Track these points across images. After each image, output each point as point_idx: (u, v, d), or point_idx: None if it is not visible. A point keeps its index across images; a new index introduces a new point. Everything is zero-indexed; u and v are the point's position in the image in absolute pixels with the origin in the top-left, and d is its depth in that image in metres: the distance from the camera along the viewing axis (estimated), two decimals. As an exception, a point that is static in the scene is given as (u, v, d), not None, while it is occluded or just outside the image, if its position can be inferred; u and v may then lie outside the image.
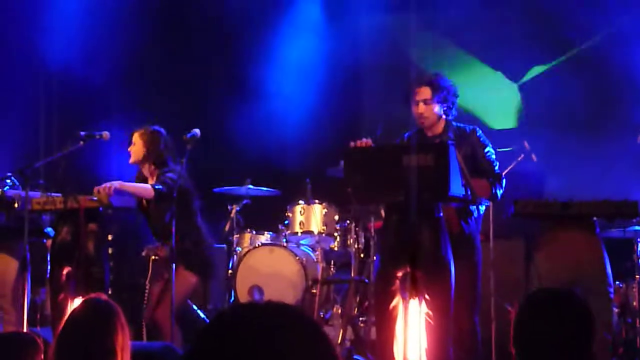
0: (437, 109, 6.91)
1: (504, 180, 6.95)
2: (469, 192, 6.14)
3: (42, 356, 4.32)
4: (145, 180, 7.84)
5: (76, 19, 10.77)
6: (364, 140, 6.47)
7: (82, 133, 7.70)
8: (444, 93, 6.91)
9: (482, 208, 7.00)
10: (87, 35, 10.84)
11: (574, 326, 3.48)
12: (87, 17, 10.91)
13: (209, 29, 11.60)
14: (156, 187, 7.57)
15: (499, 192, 6.85)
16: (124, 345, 4.06)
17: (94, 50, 10.89)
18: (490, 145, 6.97)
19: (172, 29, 11.78)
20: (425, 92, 6.89)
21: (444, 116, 6.97)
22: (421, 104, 6.89)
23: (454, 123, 7.03)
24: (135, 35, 10.97)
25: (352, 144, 6.44)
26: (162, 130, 7.95)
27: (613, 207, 6.74)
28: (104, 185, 7.37)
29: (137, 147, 7.87)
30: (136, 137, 7.88)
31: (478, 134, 6.97)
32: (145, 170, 7.89)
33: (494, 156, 6.95)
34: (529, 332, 3.52)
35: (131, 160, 7.90)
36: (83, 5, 10.93)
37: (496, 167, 6.92)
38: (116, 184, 7.44)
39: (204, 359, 1.89)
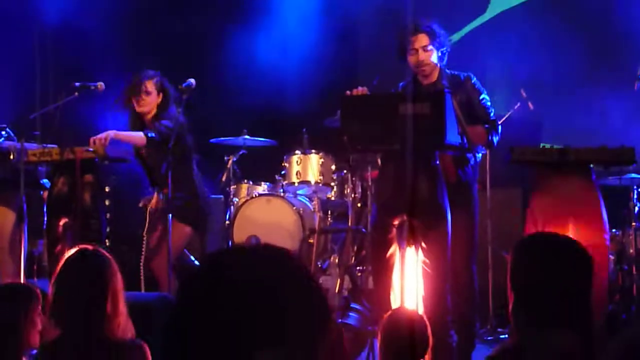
0: (434, 55, 6.86)
1: (500, 127, 6.93)
2: (466, 140, 6.13)
3: (41, 307, 4.33)
4: (139, 128, 7.84)
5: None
6: (360, 88, 6.44)
7: (77, 84, 7.68)
8: (440, 39, 6.87)
9: (479, 156, 6.99)
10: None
11: (572, 271, 3.47)
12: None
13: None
14: (149, 134, 7.57)
15: (495, 139, 6.83)
16: (117, 293, 4.08)
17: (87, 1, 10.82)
18: (485, 92, 6.94)
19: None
20: (423, 39, 6.83)
21: (438, 64, 6.92)
22: (420, 51, 6.83)
23: (447, 70, 6.99)
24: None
25: (347, 92, 6.41)
26: None
27: (610, 154, 6.72)
28: (99, 136, 7.36)
29: (152, 96, 7.86)
30: (151, 86, 7.86)
31: (473, 81, 6.93)
32: (150, 117, 7.88)
33: (489, 103, 6.91)
34: (527, 276, 3.51)
35: (145, 109, 7.88)
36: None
37: (492, 114, 6.89)
38: (111, 133, 7.43)
39: (193, 302, 1.89)
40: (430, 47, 6.83)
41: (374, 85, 6.85)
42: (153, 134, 7.56)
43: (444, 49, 6.91)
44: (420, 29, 6.85)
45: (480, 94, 6.88)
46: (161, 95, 7.87)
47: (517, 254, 3.59)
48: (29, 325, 4.24)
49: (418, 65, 6.86)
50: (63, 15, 10.56)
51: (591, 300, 3.48)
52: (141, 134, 7.62)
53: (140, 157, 7.86)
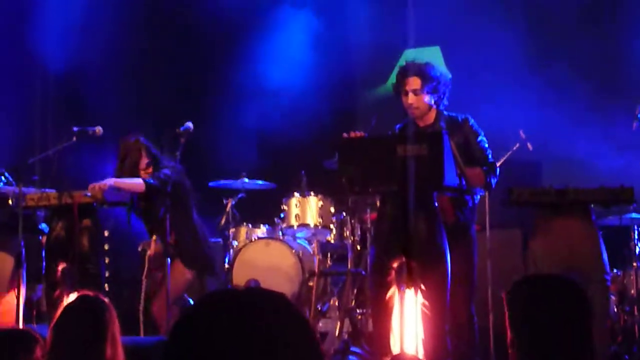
0: (427, 99, 6.85)
1: (498, 169, 6.91)
2: (464, 182, 6.12)
3: (40, 352, 4.31)
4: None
5: (71, 13, 10.73)
6: (357, 132, 6.45)
7: (75, 128, 7.70)
8: (434, 83, 6.85)
9: (477, 198, 6.97)
10: (81, 31, 10.80)
11: (570, 312, 3.44)
12: (83, 11, 10.88)
13: (203, 26, 11.55)
14: (147, 181, 7.59)
15: (493, 181, 6.81)
16: (116, 338, 4.08)
17: (88, 47, 10.86)
18: (483, 134, 6.93)
19: (166, 24, 11.76)
20: (415, 82, 6.83)
21: (434, 106, 6.92)
22: (411, 94, 6.83)
23: (445, 112, 6.99)
24: (130, 30, 10.96)
25: (344, 135, 6.42)
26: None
27: (609, 194, 6.72)
28: (99, 183, 7.39)
29: (142, 161, 7.92)
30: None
31: (470, 123, 6.93)
32: (142, 173, 7.93)
33: (486, 144, 6.90)
34: (524, 318, 3.48)
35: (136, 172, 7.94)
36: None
37: (489, 156, 6.88)
38: (110, 181, 7.46)
39: (186, 342, 1.88)
40: (422, 90, 6.82)
41: (371, 125, 6.85)
42: (152, 180, 7.58)
43: (440, 92, 6.90)
44: (412, 72, 6.85)
45: (478, 135, 6.87)
46: (147, 159, 7.92)
47: (514, 296, 3.56)
48: (28, 372, 4.21)
49: (409, 108, 6.87)
50: (63, 60, 10.60)
51: (592, 341, 3.45)
52: (140, 180, 7.64)
53: (136, 202, 7.87)
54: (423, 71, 6.83)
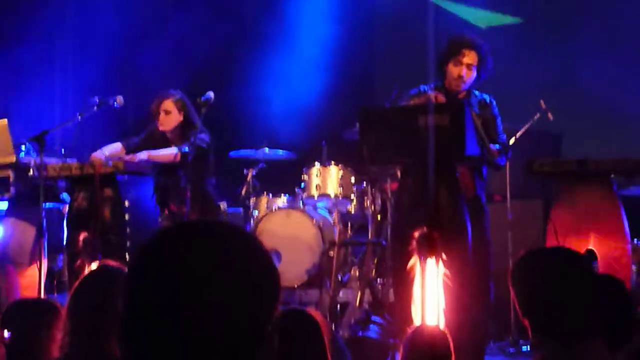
0: (474, 76, 6.87)
1: (510, 151, 6.96)
2: (485, 151, 6.11)
3: (62, 321, 4.33)
4: (163, 143, 7.90)
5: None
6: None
7: (96, 98, 7.71)
8: (486, 66, 6.88)
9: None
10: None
11: (574, 284, 3.36)
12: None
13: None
14: (183, 149, 7.61)
15: (504, 160, 6.87)
16: None
17: (108, 16, 10.87)
18: (500, 118, 6.99)
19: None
20: (473, 57, 6.82)
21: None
22: (464, 67, 6.83)
23: (475, 91, 7.01)
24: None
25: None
26: None
27: (631, 165, 6.70)
28: (131, 156, 7.43)
29: (173, 115, 7.93)
30: (169, 105, 7.94)
31: (494, 104, 6.98)
32: (173, 134, 7.95)
33: (501, 127, 6.97)
34: (531, 296, 3.42)
35: (167, 127, 7.96)
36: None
37: (505, 138, 6.95)
38: (143, 155, 7.49)
39: (142, 272, 1.90)
40: (474, 66, 6.83)
41: (392, 97, 6.84)
42: (187, 149, 7.59)
43: (484, 73, 6.91)
44: (475, 46, 6.84)
45: (497, 118, 6.94)
46: (182, 113, 7.93)
47: (516, 275, 3.50)
48: (50, 340, 4.24)
49: (457, 79, 6.84)
50: (83, 32, 10.63)
51: (601, 310, 3.39)
52: (174, 149, 7.66)
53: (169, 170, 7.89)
54: (483, 49, 6.84)
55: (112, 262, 4.30)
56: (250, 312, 1.86)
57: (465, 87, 6.91)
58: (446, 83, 6.93)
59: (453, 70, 6.86)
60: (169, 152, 7.70)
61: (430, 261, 5.69)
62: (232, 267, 1.87)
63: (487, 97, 7.03)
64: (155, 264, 1.88)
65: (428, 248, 5.64)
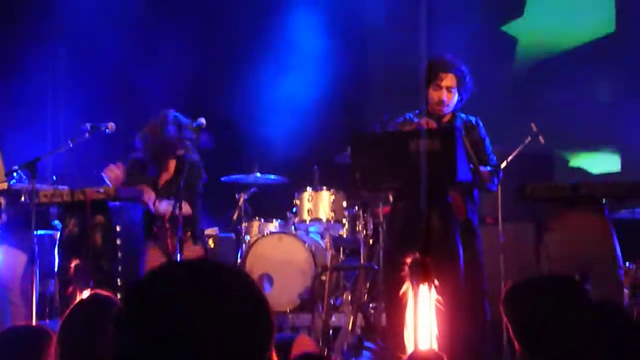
0: (455, 98, 6.87)
1: (501, 173, 6.95)
2: (477, 176, 6.12)
3: (53, 348, 4.32)
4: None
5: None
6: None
7: (88, 124, 7.70)
8: (465, 86, 6.88)
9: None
10: (92, 26, 10.85)
11: (567, 311, 3.36)
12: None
13: (217, 17, 11.58)
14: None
15: (496, 182, 6.88)
16: None
17: (100, 41, 10.88)
18: (488, 140, 6.99)
19: (182, 14, 11.78)
20: (451, 80, 6.83)
21: (455, 107, 6.95)
22: (444, 90, 6.83)
23: (460, 114, 7.02)
24: (142, 21, 10.99)
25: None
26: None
27: (623, 188, 6.71)
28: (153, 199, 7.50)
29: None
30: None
31: (480, 126, 6.99)
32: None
33: (491, 149, 6.97)
34: (522, 325, 3.41)
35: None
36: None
37: (494, 159, 6.95)
38: (164, 205, 7.54)
39: (132, 314, 1.91)
40: (454, 89, 6.83)
41: (384, 121, 6.84)
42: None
43: (465, 94, 6.91)
44: (452, 69, 6.84)
45: (485, 140, 6.94)
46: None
47: (508, 305, 3.49)
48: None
49: (439, 103, 6.85)
50: (75, 54, 10.64)
51: (597, 337, 3.38)
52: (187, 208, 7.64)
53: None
54: (460, 70, 6.84)
55: (102, 292, 4.31)
56: (247, 335, 1.88)
57: (448, 110, 6.91)
58: (429, 108, 6.93)
59: (433, 94, 6.88)
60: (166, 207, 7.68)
61: (423, 287, 5.69)
62: (226, 296, 1.90)
63: (473, 119, 7.03)
64: (149, 302, 1.89)
65: (420, 274, 5.65)
